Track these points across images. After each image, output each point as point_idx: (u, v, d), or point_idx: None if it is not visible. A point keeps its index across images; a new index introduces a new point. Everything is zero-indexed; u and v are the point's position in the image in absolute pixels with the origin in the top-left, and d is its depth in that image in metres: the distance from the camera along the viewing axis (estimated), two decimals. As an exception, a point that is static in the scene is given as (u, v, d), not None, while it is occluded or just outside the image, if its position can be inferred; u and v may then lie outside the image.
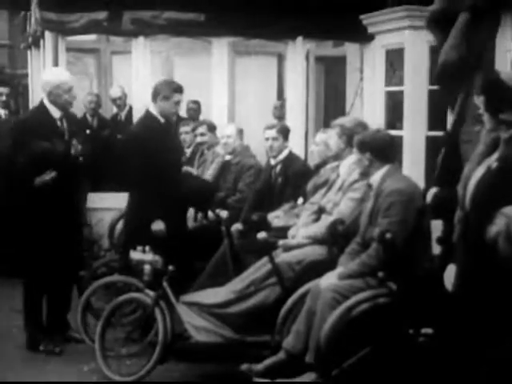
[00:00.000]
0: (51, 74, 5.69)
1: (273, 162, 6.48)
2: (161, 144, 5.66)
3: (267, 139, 6.44)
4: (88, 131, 8.60)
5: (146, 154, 5.53)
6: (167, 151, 5.71)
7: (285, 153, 6.45)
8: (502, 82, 3.23)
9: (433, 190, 4.27)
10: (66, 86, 5.48)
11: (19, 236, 5.67)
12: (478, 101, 3.34)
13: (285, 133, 6.47)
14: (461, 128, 4.44)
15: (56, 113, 5.50)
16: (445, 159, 4.49)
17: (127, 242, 5.66)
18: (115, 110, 9.34)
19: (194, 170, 7.06)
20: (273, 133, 6.40)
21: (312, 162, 6.37)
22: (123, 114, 9.00)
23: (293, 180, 6.27)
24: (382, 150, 4.74)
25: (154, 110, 5.78)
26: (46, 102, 5.51)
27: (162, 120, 5.77)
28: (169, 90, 5.74)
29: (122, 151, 6.07)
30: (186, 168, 6.83)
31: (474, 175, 3.29)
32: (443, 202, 4.05)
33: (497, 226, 2.92)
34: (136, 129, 6.05)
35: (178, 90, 5.79)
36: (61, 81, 5.48)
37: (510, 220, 2.88)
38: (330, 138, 5.59)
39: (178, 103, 5.83)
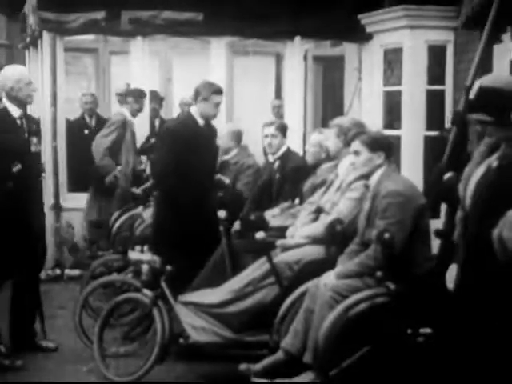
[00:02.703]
0: (9, 70, 5.54)
1: (271, 158, 6.53)
2: (193, 145, 5.67)
3: (266, 136, 6.50)
4: (86, 131, 8.60)
5: (177, 151, 5.59)
6: (199, 154, 5.72)
7: (283, 149, 6.51)
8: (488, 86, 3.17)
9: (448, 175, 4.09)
10: (27, 80, 5.39)
11: None
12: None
13: (283, 130, 6.55)
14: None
15: (16, 112, 5.38)
16: (452, 150, 4.36)
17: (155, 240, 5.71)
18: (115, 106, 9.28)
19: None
20: (272, 130, 6.47)
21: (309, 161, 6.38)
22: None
23: (291, 176, 6.31)
24: (392, 148, 4.80)
25: (194, 111, 5.85)
26: (6, 102, 5.39)
27: (201, 122, 5.82)
28: (208, 91, 5.79)
29: (157, 146, 6.11)
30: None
31: (474, 175, 3.27)
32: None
33: (498, 228, 2.87)
34: (171, 124, 6.11)
35: (218, 91, 5.82)
36: (21, 75, 5.40)
37: (504, 223, 2.84)
38: (327, 138, 5.61)
39: (217, 105, 5.85)
